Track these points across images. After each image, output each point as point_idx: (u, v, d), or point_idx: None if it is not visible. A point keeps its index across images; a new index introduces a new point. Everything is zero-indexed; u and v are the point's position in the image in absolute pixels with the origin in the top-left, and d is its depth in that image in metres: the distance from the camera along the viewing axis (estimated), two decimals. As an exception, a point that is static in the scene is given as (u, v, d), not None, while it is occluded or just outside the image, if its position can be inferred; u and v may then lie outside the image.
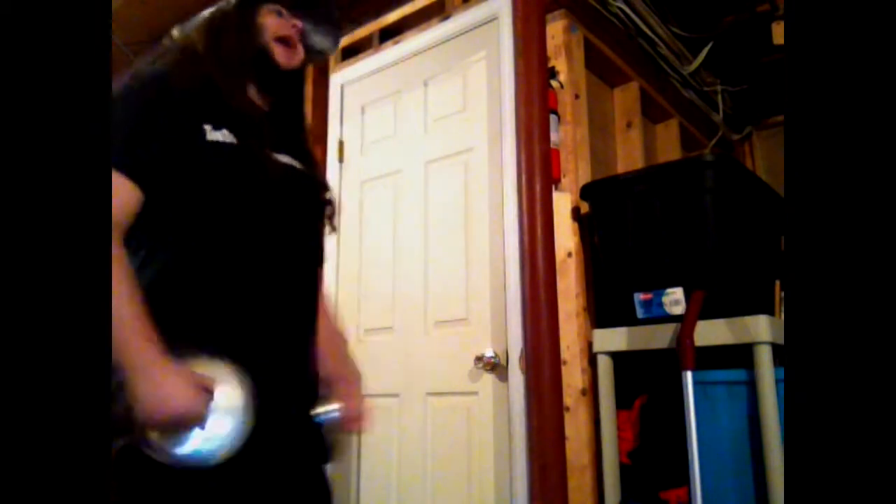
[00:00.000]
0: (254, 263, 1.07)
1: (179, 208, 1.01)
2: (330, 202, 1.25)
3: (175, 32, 1.22)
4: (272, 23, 1.16)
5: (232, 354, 0.99)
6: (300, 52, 1.20)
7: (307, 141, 1.28)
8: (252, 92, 1.17)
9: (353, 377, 1.26)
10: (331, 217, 1.26)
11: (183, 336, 0.97)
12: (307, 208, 1.19)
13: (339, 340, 1.34)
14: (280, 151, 1.14)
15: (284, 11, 1.18)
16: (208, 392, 0.92)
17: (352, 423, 1.17)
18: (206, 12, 1.19)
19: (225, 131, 1.05)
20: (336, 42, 1.29)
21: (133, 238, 0.99)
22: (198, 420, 0.91)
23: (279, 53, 1.16)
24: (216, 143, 1.04)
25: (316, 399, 1.15)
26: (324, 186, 1.25)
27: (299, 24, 1.18)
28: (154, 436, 0.91)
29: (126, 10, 2.83)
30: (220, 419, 0.94)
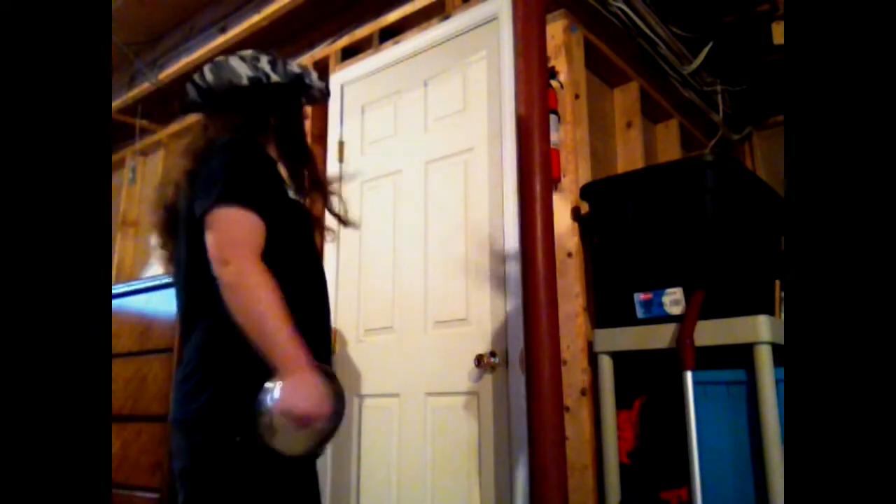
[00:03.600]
0: (313, 283, 1.39)
1: (272, 245, 1.26)
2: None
3: (210, 77, 1.43)
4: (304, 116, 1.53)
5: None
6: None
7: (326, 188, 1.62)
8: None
9: None
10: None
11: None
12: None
13: None
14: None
15: (304, 103, 1.54)
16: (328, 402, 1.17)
17: None
18: (245, 76, 1.41)
19: (291, 192, 1.40)
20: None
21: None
22: (320, 421, 1.15)
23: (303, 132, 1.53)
24: (293, 200, 1.39)
25: None
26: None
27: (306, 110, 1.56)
28: (282, 426, 1.13)
29: (126, 10, 2.83)
30: (327, 424, 1.18)
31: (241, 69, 1.40)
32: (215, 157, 1.29)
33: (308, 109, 2.56)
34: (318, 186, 1.52)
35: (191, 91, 1.44)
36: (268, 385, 1.15)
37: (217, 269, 1.18)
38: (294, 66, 1.46)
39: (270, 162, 1.36)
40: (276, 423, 1.13)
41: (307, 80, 1.46)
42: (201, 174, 1.29)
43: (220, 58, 1.44)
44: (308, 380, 1.15)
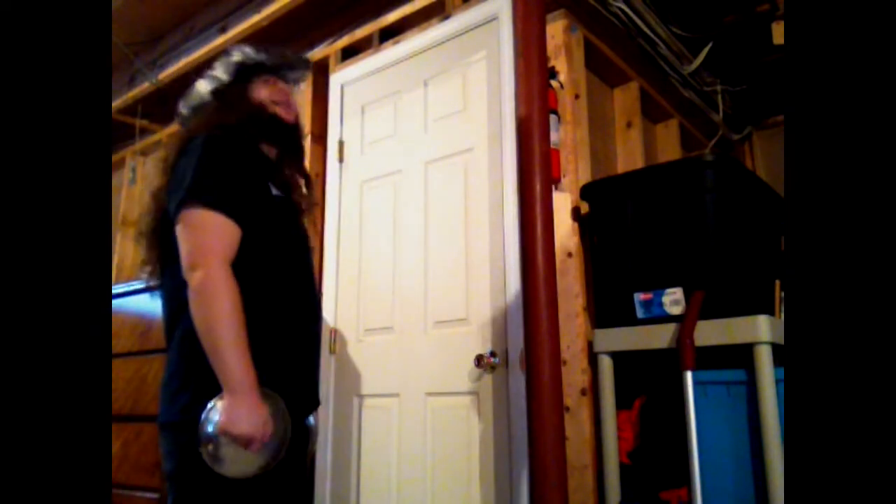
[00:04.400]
0: (299, 296, 1.34)
1: (250, 246, 1.24)
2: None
3: (185, 111, 1.47)
4: (267, 93, 1.44)
5: (285, 374, 1.27)
6: (294, 107, 1.49)
7: (308, 176, 1.54)
8: (265, 147, 1.40)
9: None
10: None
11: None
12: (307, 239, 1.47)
13: None
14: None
15: (272, 79, 1.46)
16: (268, 426, 1.16)
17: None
18: (207, 91, 1.44)
19: (276, 189, 1.34)
20: (308, 68, 1.60)
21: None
22: (256, 446, 1.14)
23: (281, 112, 1.44)
24: (277, 197, 1.33)
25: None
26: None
27: (286, 88, 1.49)
28: (220, 444, 1.13)
29: (126, 10, 2.83)
30: (266, 447, 1.16)
31: (202, 88, 1.44)
32: (191, 152, 1.27)
33: (308, 111, 2.56)
34: (308, 188, 1.49)
35: (181, 125, 1.51)
36: (210, 404, 1.15)
37: (185, 273, 1.18)
38: (236, 53, 1.45)
39: (253, 159, 1.33)
40: (217, 443, 1.13)
41: (249, 61, 1.45)
42: (177, 170, 1.28)
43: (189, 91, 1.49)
44: (250, 402, 1.13)
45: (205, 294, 1.15)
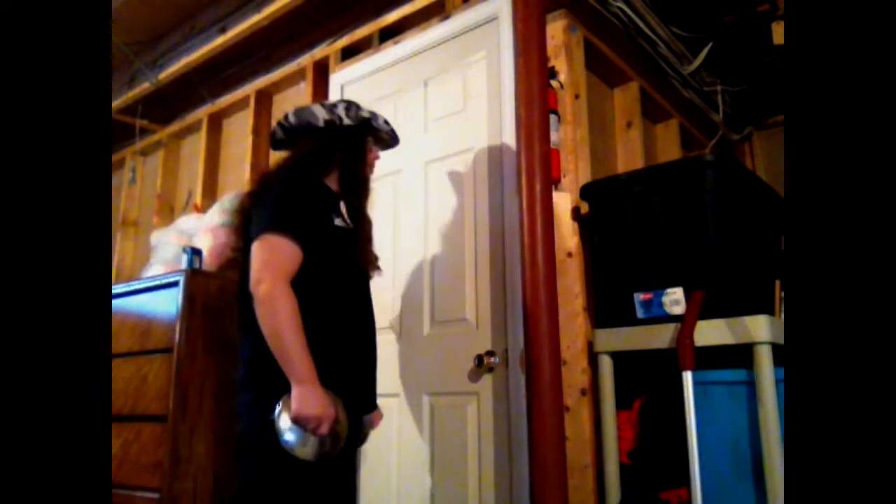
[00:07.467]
0: (356, 311, 1.56)
1: (310, 269, 1.41)
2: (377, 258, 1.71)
3: (292, 119, 1.62)
4: (371, 157, 1.67)
5: (343, 379, 1.45)
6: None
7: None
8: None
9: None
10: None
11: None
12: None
13: None
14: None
15: (374, 145, 1.68)
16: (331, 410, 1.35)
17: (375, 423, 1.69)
18: (322, 118, 1.59)
19: (339, 219, 1.52)
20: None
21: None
22: (326, 426, 1.33)
23: (370, 175, 1.67)
24: (338, 228, 1.50)
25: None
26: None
27: (379, 155, 1.72)
28: (292, 428, 1.31)
29: (126, 10, 2.83)
30: (329, 437, 1.35)
31: (319, 113, 1.59)
32: (273, 185, 1.48)
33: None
34: (362, 223, 1.62)
35: (278, 131, 1.65)
36: (277, 405, 1.34)
37: (252, 286, 1.36)
38: (365, 111, 1.64)
39: (322, 192, 1.52)
40: (290, 428, 1.32)
41: (374, 123, 1.64)
42: (261, 198, 1.48)
43: (305, 105, 1.65)
44: (315, 390, 1.33)
45: (268, 304, 1.34)
